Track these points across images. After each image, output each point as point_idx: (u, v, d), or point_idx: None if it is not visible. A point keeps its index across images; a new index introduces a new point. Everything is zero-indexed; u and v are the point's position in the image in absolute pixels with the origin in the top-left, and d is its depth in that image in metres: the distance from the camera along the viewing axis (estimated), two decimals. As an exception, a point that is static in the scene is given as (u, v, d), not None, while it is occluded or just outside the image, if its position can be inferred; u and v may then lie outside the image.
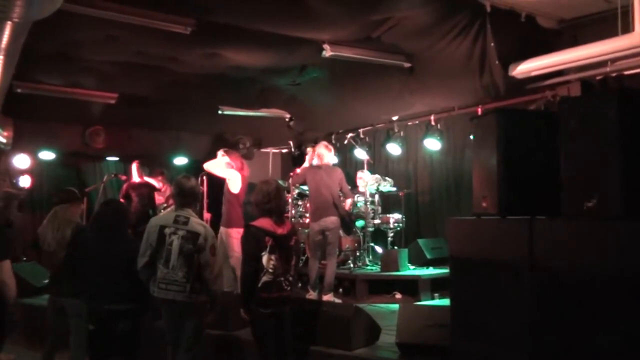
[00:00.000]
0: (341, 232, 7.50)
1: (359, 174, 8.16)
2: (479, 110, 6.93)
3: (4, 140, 7.97)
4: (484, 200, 3.53)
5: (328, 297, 6.52)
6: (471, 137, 6.74)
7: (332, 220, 6.64)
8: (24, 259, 7.94)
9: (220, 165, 6.43)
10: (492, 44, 5.64)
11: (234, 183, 6.38)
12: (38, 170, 9.30)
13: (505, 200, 3.37)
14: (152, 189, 7.41)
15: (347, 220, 7.01)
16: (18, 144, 8.37)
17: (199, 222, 4.17)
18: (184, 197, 4.18)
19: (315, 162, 7.01)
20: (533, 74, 6.00)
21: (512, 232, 3.30)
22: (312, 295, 6.57)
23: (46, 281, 6.54)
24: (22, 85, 7.06)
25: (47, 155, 9.18)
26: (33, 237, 5.13)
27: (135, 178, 7.60)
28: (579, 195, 3.03)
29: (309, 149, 7.44)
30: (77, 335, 4.44)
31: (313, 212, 6.80)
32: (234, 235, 6.21)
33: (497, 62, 5.88)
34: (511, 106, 6.64)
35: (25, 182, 8.91)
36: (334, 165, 7.08)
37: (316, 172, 6.82)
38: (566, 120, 3.18)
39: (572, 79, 6.09)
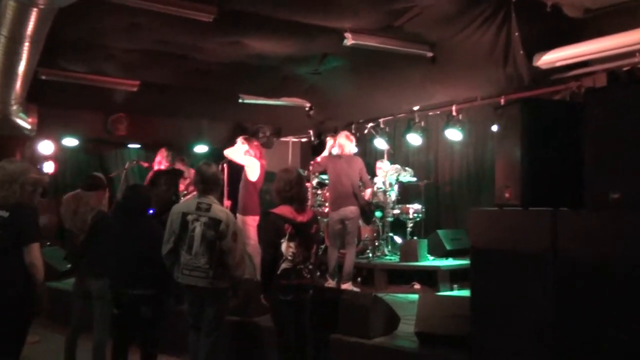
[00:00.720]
0: (360, 221, 7.50)
1: (378, 163, 8.16)
2: (502, 101, 6.86)
3: (29, 127, 8.09)
4: (507, 191, 3.51)
5: (347, 286, 6.54)
6: (493, 127, 6.74)
7: (351, 209, 6.66)
8: (48, 243, 8.10)
9: (239, 152, 6.47)
10: (517, 34, 5.56)
11: (253, 171, 6.43)
12: (61, 157, 9.46)
13: (529, 191, 3.34)
14: (179, 175, 7.46)
15: (367, 210, 7.02)
16: (42, 130, 8.50)
17: (221, 209, 4.21)
18: (206, 183, 4.22)
19: (335, 151, 7.02)
20: (558, 64, 5.92)
21: (535, 224, 3.27)
22: (330, 283, 6.60)
23: (69, 265, 6.69)
24: (46, 72, 7.14)
25: (70, 141, 9.33)
26: (58, 221, 5.22)
27: (162, 164, 7.63)
28: (604, 187, 2.99)
29: (329, 138, 7.42)
30: (101, 318, 4.51)
31: (333, 201, 6.82)
32: (250, 223, 6.28)
33: (521, 52, 5.80)
34: (535, 97, 6.55)
35: (49, 168, 9.07)
36: (355, 155, 7.08)
37: (337, 162, 6.83)
38: (592, 111, 3.14)
39: (597, 69, 6.00)
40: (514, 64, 6.04)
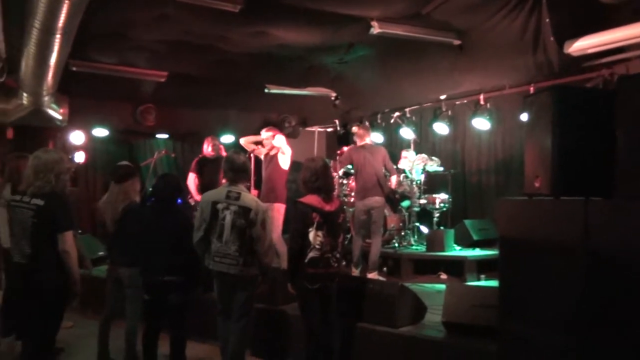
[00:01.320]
0: (386, 211, 7.50)
1: (404, 152, 8.12)
2: (532, 89, 6.74)
3: (60, 118, 8.25)
4: (537, 180, 3.45)
5: (373, 275, 6.56)
6: (522, 116, 6.64)
7: (376, 199, 6.69)
8: (79, 231, 8.29)
9: (251, 141, 6.65)
10: (547, 20, 5.44)
11: (285, 159, 6.50)
12: (92, 147, 9.64)
13: (559, 181, 3.28)
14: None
15: (393, 198, 7.04)
16: (73, 121, 8.65)
17: (251, 197, 4.26)
18: (235, 172, 4.27)
19: (357, 141, 7.08)
20: (589, 51, 5.77)
21: (566, 213, 3.22)
22: (354, 272, 6.63)
23: (101, 253, 6.84)
24: (77, 64, 7.25)
25: (100, 132, 9.48)
26: (91, 210, 5.33)
27: (209, 152, 7.67)
28: (637, 176, 2.92)
29: (354, 129, 7.45)
30: (133, 304, 4.61)
31: (358, 191, 6.86)
32: (276, 210, 6.34)
33: (551, 38, 5.68)
34: (566, 84, 6.42)
35: (80, 158, 9.26)
36: (378, 144, 7.10)
37: (360, 152, 6.86)
38: (625, 98, 3.06)
39: (631, 56, 5.84)
40: (544, 51, 5.92)
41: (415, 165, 7.87)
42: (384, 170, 6.93)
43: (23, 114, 7.79)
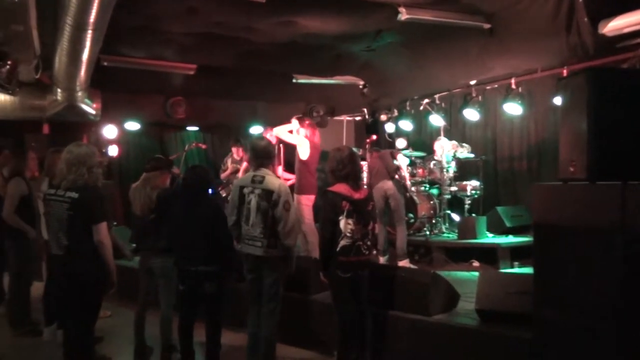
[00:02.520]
0: (415, 197, 7.46)
1: (437, 143, 8.00)
2: (565, 72, 6.58)
3: (94, 112, 8.41)
4: (572, 164, 3.38)
5: (404, 263, 6.54)
6: (556, 100, 6.49)
7: (388, 185, 6.79)
8: (115, 223, 8.47)
9: (287, 131, 6.54)
10: (581, 0, 5.30)
11: (302, 150, 6.47)
12: (124, 140, 9.81)
13: (595, 165, 3.21)
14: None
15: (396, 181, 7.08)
16: (106, 115, 8.80)
17: (275, 180, 4.31)
18: (258, 157, 4.38)
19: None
20: (625, 30, 5.58)
21: (602, 198, 3.15)
22: (382, 260, 6.62)
23: (134, 245, 6.98)
24: (108, 59, 7.38)
25: (132, 125, 9.64)
26: (125, 202, 5.44)
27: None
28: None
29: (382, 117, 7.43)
30: (166, 294, 4.69)
31: (369, 180, 7.03)
32: (304, 202, 6.34)
33: (585, 19, 5.52)
34: (601, 66, 6.25)
35: (113, 151, 9.44)
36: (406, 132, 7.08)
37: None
38: (665, 78, 2.97)
39: (670, 35, 5.64)
40: (578, 32, 5.75)
41: (445, 152, 7.78)
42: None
43: (58, 110, 7.98)
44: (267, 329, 4.29)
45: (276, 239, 4.21)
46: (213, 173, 8.90)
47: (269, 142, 4.53)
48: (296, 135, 6.51)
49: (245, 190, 4.27)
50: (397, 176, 7.08)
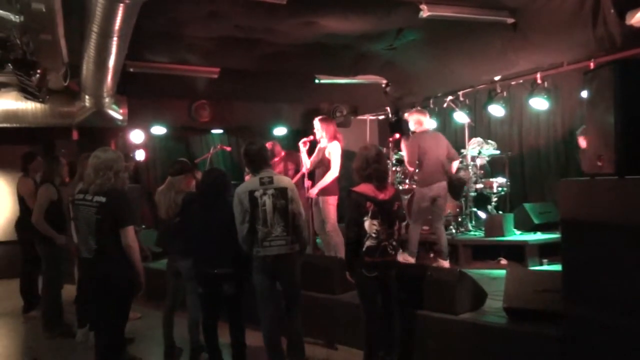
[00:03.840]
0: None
1: (471, 144, 7.96)
2: (591, 65, 6.45)
3: (120, 117, 8.56)
4: (599, 159, 3.32)
5: (446, 264, 6.46)
6: (582, 93, 6.36)
7: (443, 185, 6.65)
8: (143, 226, 8.61)
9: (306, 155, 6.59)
10: (607, -9, 5.20)
11: (332, 151, 6.47)
12: (151, 145, 9.97)
13: (624, 159, 3.15)
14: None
15: (457, 185, 6.92)
16: (133, 120, 8.94)
17: (283, 178, 4.42)
18: (254, 161, 4.38)
19: (414, 127, 6.93)
20: (654, 21, 5.47)
21: (631, 192, 3.09)
22: (409, 260, 6.54)
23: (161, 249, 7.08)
24: (133, 65, 7.49)
25: (158, 130, 9.78)
26: (152, 206, 5.53)
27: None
28: None
29: (406, 115, 7.28)
30: (193, 296, 4.74)
31: (424, 178, 6.72)
32: (331, 203, 6.34)
33: (612, 10, 5.40)
34: (629, 58, 6.10)
35: (140, 156, 9.59)
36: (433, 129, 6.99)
37: (425, 138, 6.74)
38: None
39: (701, 23, 5.48)
40: (604, 24, 5.63)
41: (470, 149, 7.71)
42: (446, 157, 6.81)
43: (86, 116, 8.15)
44: (301, 331, 4.39)
45: (295, 234, 4.29)
46: (237, 175, 9.01)
47: (263, 146, 4.49)
48: (323, 142, 6.53)
49: (257, 194, 4.22)
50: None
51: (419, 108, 7.11)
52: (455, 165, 7.07)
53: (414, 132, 6.97)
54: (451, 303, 4.43)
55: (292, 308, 4.39)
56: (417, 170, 6.84)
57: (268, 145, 7.35)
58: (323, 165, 6.53)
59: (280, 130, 10.42)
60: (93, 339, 4.57)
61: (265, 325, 4.33)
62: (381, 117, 10.92)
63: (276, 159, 7.65)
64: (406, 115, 7.05)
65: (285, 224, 4.23)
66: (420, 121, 6.86)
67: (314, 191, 6.41)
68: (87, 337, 5.32)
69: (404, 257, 6.43)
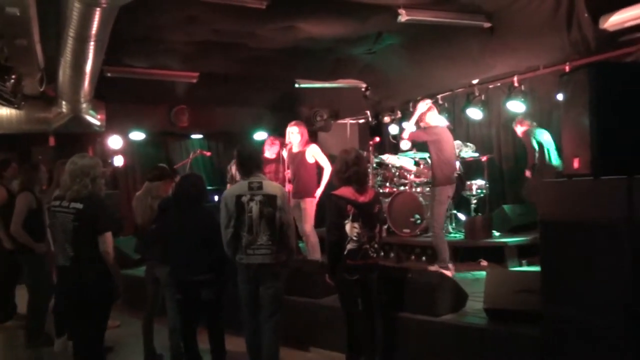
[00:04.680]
0: (422, 198, 7.43)
1: None
2: (567, 68, 6.56)
3: (98, 123, 8.47)
4: (576, 160, 3.38)
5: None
6: (558, 96, 6.46)
7: (454, 187, 6.41)
8: (120, 233, 8.50)
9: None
10: (581, -5, 5.30)
11: (312, 155, 6.53)
12: (129, 150, 9.85)
13: (600, 160, 3.20)
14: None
15: (462, 185, 6.90)
16: (111, 125, 8.86)
17: (274, 184, 4.28)
18: (245, 165, 4.24)
19: (433, 122, 6.49)
20: (627, 24, 5.57)
21: (607, 193, 3.14)
22: (452, 270, 6.07)
23: (139, 257, 7.00)
24: (111, 70, 7.43)
25: (137, 135, 9.68)
26: (130, 212, 5.47)
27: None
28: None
29: (421, 103, 6.56)
30: (172, 302, 4.67)
31: (446, 176, 6.26)
32: (313, 203, 6.40)
33: (586, 14, 5.51)
34: (603, 61, 6.22)
35: (118, 161, 9.49)
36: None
37: (447, 133, 6.45)
38: (667, 71, 2.96)
39: (671, 27, 5.62)
40: (579, 28, 5.75)
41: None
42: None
43: (63, 122, 8.05)
44: (274, 344, 4.19)
45: (282, 244, 4.15)
46: (217, 180, 8.96)
47: (256, 149, 4.43)
48: (298, 146, 6.53)
49: (244, 199, 4.09)
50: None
51: (428, 101, 6.70)
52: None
53: (426, 127, 6.47)
54: (432, 305, 4.45)
55: (269, 319, 4.21)
56: (436, 167, 6.28)
57: (269, 141, 7.38)
58: (304, 168, 6.53)
59: (260, 135, 10.39)
60: (72, 349, 4.50)
61: (247, 333, 4.27)
62: (361, 121, 10.95)
63: (273, 156, 7.53)
64: (423, 106, 6.46)
65: (271, 233, 4.09)
66: (435, 116, 6.54)
67: (318, 192, 6.40)
68: (65, 347, 5.23)
69: (437, 269, 5.85)
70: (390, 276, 4.73)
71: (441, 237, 6.28)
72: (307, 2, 5.67)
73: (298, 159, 6.56)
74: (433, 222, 6.37)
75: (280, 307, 4.23)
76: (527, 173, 7.30)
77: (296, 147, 6.56)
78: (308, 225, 6.38)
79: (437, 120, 6.55)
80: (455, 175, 6.39)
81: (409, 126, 6.68)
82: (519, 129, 7.40)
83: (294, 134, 6.56)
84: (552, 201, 3.55)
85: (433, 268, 6.04)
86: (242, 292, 4.22)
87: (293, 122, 6.71)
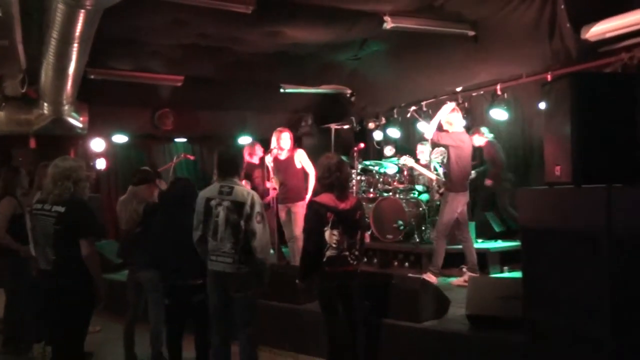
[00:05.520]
0: (405, 204, 7.45)
1: (419, 147, 8.04)
2: (549, 77, 6.64)
3: (81, 125, 8.37)
4: (557, 169, 3.42)
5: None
6: (541, 105, 6.54)
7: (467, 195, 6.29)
8: (103, 237, 8.40)
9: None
10: (563, 6, 5.38)
11: (303, 160, 6.59)
12: (112, 153, 9.75)
13: (580, 168, 3.25)
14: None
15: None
16: (93, 128, 8.77)
17: (244, 191, 4.06)
18: (221, 168, 4.15)
19: (454, 128, 6.32)
20: (607, 35, 5.67)
21: (588, 201, 3.18)
22: (433, 279, 5.95)
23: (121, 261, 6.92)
24: (95, 72, 7.37)
25: (120, 138, 9.60)
26: (113, 216, 5.42)
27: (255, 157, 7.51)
28: (661, 161, 2.88)
29: (448, 108, 6.35)
30: (155, 308, 4.66)
31: (462, 183, 6.16)
32: (301, 210, 6.36)
33: (568, 24, 5.61)
34: (584, 70, 6.32)
35: (101, 164, 9.39)
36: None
37: (469, 141, 6.31)
38: (646, 82, 3.02)
39: (650, 39, 5.73)
40: (561, 38, 5.85)
41: (433, 159, 7.81)
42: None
43: (44, 124, 7.94)
44: (251, 356, 4.08)
45: (247, 254, 3.96)
46: (201, 185, 8.87)
47: (238, 153, 4.35)
48: (289, 149, 6.59)
49: (213, 203, 3.99)
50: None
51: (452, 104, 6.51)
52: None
53: (452, 132, 6.27)
54: (415, 311, 4.47)
55: (243, 330, 4.09)
56: (454, 172, 6.16)
57: (253, 147, 7.40)
58: (294, 173, 6.57)
59: (244, 140, 10.36)
60: (50, 354, 4.43)
61: (213, 345, 4.14)
62: (346, 127, 10.98)
63: (257, 162, 7.52)
64: (449, 108, 6.29)
65: (235, 241, 3.94)
66: (458, 119, 6.33)
67: (308, 197, 6.37)
68: (43, 352, 5.14)
69: (427, 277, 5.80)
70: (373, 282, 4.74)
71: (442, 242, 6.17)
72: (292, 8, 5.68)
73: (287, 164, 6.59)
74: (438, 226, 6.29)
75: (253, 317, 4.10)
76: (488, 182, 7.40)
77: (286, 153, 6.59)
78: (298, 229, 6.36)
79: (460, 124, 6.37)
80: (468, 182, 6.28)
81: (431, 126, 6.39)
82: (479, 140, 7.47)
83: (286, 139, 6.58)
84: (534, 208, 3.59)
85: (425, 275, 5.98)
86: (210, 300, 4.11)
87: (283, 129, 6.73)
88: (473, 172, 6.49)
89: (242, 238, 3.95)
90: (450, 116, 6.29)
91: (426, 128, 6.79)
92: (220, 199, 4.00)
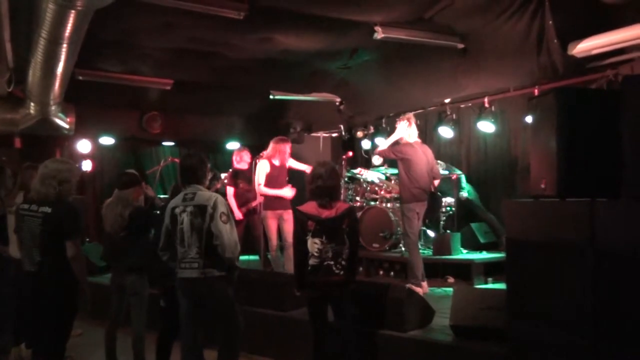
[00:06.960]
0: (391, 214, 7.48)
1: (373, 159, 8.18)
2: (536, 92, 6.74)
3: (67, 126, 8.31)
4: (542, 181, 3.46)
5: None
6: (527, 118, 6.62)
7: (425, 204, 6.30)
8: (87, 239, 8.33)
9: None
10: (551, 22, 5.45)
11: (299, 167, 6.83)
12: (99, 155, 9.68)
13: (565, 182, 3.29)
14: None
15: (438, 204, 6.75)
16: (80, 129, 8.70)
17: (206, 194, 3.99)
18: (182, 175, 4.11)
19: (404, 139, 6.42)
20: (594, 52, 5.77)
21: (572, 214, 3.22)
22: (423, 289, 6.04)
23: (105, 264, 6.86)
24: (83, 73, 7.32)
25: (107, 140, 9.54)
26: (98, 218, 5.36)
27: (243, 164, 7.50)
28: (644, 176, 2.92)
29: (401, 123, 6.51)
30: (137, 311, 4.61)
31: (413, 194, 6.22)
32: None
33: (555, 40, 5.69)
34: (571, 86, 6.42)
35: (87, 166, 9.31)
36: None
37: (415, 150, 6.35)
38: (631, 98, 3.06)
39: (635, 56, 5.83)
40: (548, 53, 5.93)
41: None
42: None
43: (30, 124, 7.86)
44: None
45: (214, 257, 3.88)
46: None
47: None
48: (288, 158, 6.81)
49: (177, 211, 3.94)
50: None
51: (409, 116, 6.60)
52: (437, 182, 6.60)
53: (396, 145, 6.43)
54: (399, 320, 4.48)
55: (222, 337, 4.05)
56: (403, 185, 6.30)
57: (236, 153, 7.45)
58: (286, 181, 6.79)
59: (233, 145, 10.34)
60: (29, 357, 4.37)
61: (181, 352, 4.07)
62: (335, 135, 11.02)
63: (245, 167, 7.50)
64: (405, 125, 6.41)
65: (199, 245, 3.87)
66: (411, 132, 6.44)
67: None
68: (20, 356, 5.06)
69: (410, 287, 5.59)
70: (358, 291, 4.72)
71: (414, 253, 6.19)
72: (284, 15, 5.70)
73: (280, 171, 6.74)
74: (406, 239, 6.39)
75: (230, 323, 4.03)
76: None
77: (284, 162, 6.78)
78: (290, 236, 6.37)
79: (410, 137, 6.46)
80: (427, 192, 6.31)
81: (385, 142, 6.65)
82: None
83: (288, 151, 6.83)
84: (519, 221, 3.62)
85: (407, 285, 5.94)
86: (180, 308, 4.03)
87: (286, 139, 6.94)
88: (436, 182, 6.53)
89: (207, 241, 3.87)
90: (400, 129, 6.43)
91: (382, 143, 7.01)
92: (184, 206, 3.94)
